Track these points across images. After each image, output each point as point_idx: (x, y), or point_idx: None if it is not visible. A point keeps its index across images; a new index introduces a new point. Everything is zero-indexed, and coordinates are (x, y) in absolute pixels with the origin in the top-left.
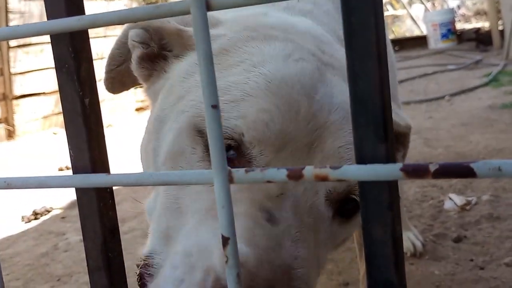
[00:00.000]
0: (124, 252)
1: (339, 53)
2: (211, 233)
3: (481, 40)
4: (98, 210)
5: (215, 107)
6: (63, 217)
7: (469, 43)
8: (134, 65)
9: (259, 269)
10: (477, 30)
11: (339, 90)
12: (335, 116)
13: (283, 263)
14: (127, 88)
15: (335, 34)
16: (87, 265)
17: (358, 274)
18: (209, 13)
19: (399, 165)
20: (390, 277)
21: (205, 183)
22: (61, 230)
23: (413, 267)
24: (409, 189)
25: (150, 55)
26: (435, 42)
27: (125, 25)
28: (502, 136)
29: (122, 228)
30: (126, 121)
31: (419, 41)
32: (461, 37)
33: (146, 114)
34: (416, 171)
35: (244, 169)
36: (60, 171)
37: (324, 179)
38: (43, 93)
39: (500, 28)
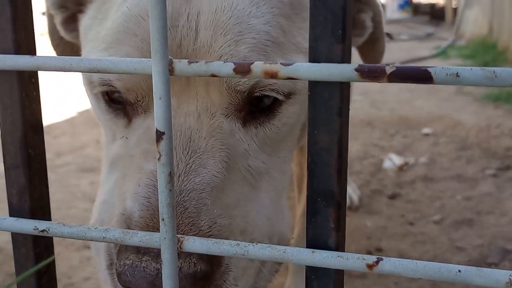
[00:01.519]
0: (58, 185)
1: None
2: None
3: (435, 14)
4: (19, 101)
5: None
6: None
7: (423, 17)
8: (62, 32)
9: (145, 219)
10: (432, 5)
11: None
12: (203, 38)
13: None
14: None
15: None
16: (4, 162)
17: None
18: None
19: (353, 65)
20: (331, 186)
21: (143, 72)
22: None
23: (347, 219)
24: (352, 147)
25: (71, 17)
26: (392, 12)
27: None
28: (444, 104)
29: (57, 161)
30: None
31: None
32: (416, 10)
33: None
34: (372, 72)
35: (187, 60)
36: None
37: (273, 76)
38: None
39: (454, 5)
